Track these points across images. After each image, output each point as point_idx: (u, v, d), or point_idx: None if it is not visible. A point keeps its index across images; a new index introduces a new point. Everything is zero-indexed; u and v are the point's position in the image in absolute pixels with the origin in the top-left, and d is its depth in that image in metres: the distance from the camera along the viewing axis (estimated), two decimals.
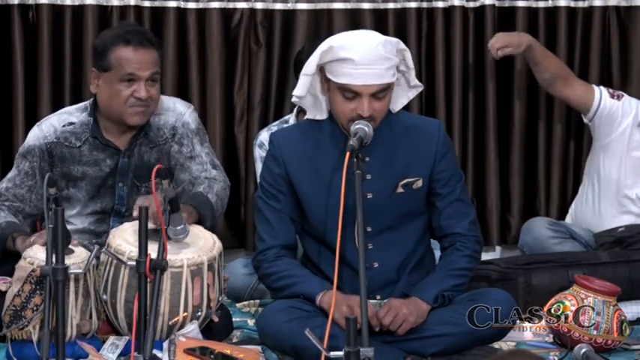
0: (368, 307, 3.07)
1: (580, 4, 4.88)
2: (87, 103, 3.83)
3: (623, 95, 4.51)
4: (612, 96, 4.48)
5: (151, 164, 3.60)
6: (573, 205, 4.68)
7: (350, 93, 3.32)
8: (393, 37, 3.41)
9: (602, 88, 4.53)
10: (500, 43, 4.49)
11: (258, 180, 4.23)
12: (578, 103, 4.53)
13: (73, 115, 3.79)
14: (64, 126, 3.76)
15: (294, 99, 3.45)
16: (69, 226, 3.70)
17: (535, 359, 2.19)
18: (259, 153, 4.37)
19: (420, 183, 3.48)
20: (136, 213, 3.21)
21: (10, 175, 3.78)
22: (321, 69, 3.38)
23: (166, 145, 3.79)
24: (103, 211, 3.79)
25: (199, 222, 3.56)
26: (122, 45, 3.65)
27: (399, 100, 3.49)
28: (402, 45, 3.38)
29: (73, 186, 3.76)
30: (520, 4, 4.87)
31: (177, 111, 3.82)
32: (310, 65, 3.36)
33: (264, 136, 4.35)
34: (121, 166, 3.76)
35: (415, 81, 3.46)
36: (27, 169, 3.74)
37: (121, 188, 3.76)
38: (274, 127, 4.40)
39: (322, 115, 3.48)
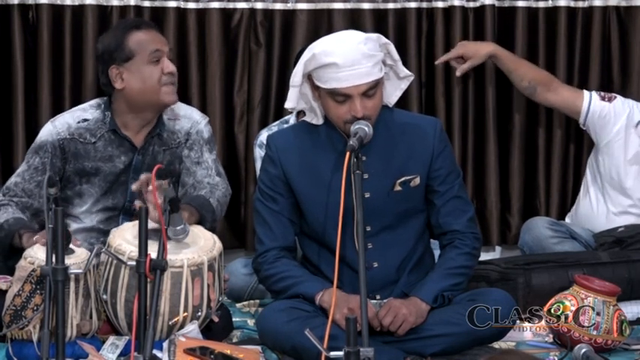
0: (368, 308, 3.07)
1: (580, 4, 4.88)
2: (99, 100, 3.86)
3: (615, 97, 4.51)
4: (603, 98, 4.49)
5: (164, 165, 3.64)
6: (575, 204, 4.68)
7: (340, 96, 3.32)
8: (374, 34, 3.40)
9: (593, 92, 4.53)
10: (452, 55, 4.54)
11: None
12: (567, 108, 4.56)
13: (87, 112, 3.82)
14: (78, 122, 3.79)
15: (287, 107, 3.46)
16: (77, 224, 3.76)
17: (527, 359, 2.18)
18: (259, 153, 4.38)
19: (417, 181, 3.48)
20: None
21: (19, 170, 3.80)
22: (309, 77, 3.38)
23: (179, 149, 3.84)
24: (113, 208, 3.80)
25: (199, 223, 3.57)
26: (135, 30, 3.73)
27: (394, 94, 3.49)
28: (384, 39, 3.37)
29: (86, 182, 3.79)
30: (520, 4, 4.87)
31: (194, 119, 3.89)
32: (296, 76, 3.37)
33: (264, 136, 4.35)
34: (135, 163, 3.78)
35: (404, 72, 3.45)
36: (37, 164, 3.75)
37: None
38: (274, 127, 4.40)
39: (318, 121, 3.48)
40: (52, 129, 3.78)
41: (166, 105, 3.78)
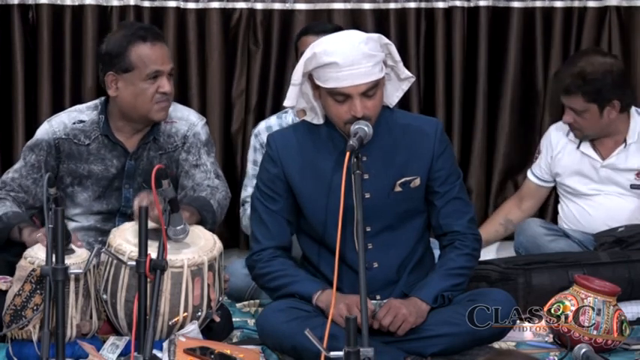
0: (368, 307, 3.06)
1: (577, 4, 4.88)
2: (97, 102, 3.85)
3: (541, 146, 4.61)
4: (536, 159, 4.62)
5: None
6: (558, 215, 4.70)
7: (340, 96, 3.32)
8: (375, 34, 3.39)
9: (531, 168, 4.64)
10: None
11: (248, 166, 4.28)
12: (540, 200, 4.69)
13: (83, 113, 3.81)
14: (74, 123, 3.78)
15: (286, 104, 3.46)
16: (74, 224, 3.74)
17: (525, 359, 2.17)
18: (254, 142, 4.39)
19: (418, 182, 3.48)
20: (136, 210, 3.22)
21: (16, 166, 3.80)
22: (309, 76, 3.38)
23: (176, 153, 3.82)
24: (108, 212, 3.80)
25: (200, 223, 3.56)
26: (140, 42, 3.67)
27: (394, 95, 3.48)
28: (385, 39, 3.36)
29: (78, 184, 3.78)
30: (516, 4, 4.86)
31: (191, 121, 3.86)
32: (297, 74, 3.36)
33: (262, 126, 4.38)
34: (127, 168, 3.77)
35: (405, 73, 3.44)
36: (33, 161, 3.75)
37: (127, 190, 3.77)
38: (274, 117, 4.42)
39: (319, 120, 3.48)
40: (49, 128, 3.78)
41: (156, 121, 3.75)
